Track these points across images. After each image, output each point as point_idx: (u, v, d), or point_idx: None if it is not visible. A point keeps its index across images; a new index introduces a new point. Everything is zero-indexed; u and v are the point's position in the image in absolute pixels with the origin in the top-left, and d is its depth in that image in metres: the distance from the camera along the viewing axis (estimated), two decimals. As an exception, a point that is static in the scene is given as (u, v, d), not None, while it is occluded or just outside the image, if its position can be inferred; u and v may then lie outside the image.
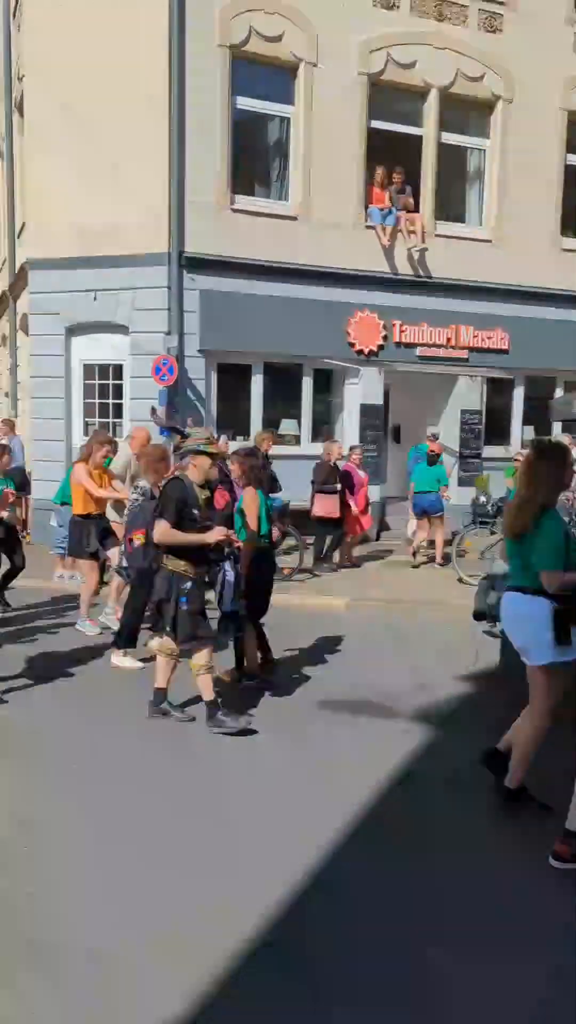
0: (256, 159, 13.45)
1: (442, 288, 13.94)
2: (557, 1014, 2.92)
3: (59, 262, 12.71)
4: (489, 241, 14.31)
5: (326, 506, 10.96)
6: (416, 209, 13.63)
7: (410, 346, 13.85)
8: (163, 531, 5.34)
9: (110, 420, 13.24)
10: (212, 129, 12.19)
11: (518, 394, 15.21)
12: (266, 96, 12.87)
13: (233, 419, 13.23)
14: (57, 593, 9.50)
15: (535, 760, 4.29)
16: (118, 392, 13.18)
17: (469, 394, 14.45)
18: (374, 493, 12.99)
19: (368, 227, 13.38)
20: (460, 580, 10.30)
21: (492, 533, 10.39)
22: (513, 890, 3.66)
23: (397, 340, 13.72)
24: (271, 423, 13.12)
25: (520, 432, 15.20)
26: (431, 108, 13.64)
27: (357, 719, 5.80)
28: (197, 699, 5.56)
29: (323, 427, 13.97)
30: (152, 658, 6.60)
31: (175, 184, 12.07)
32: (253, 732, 5.36)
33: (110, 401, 13.26)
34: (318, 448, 13.40)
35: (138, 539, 5.94)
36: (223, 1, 11.98)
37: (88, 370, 13.24)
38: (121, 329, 12.75)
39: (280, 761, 5.03)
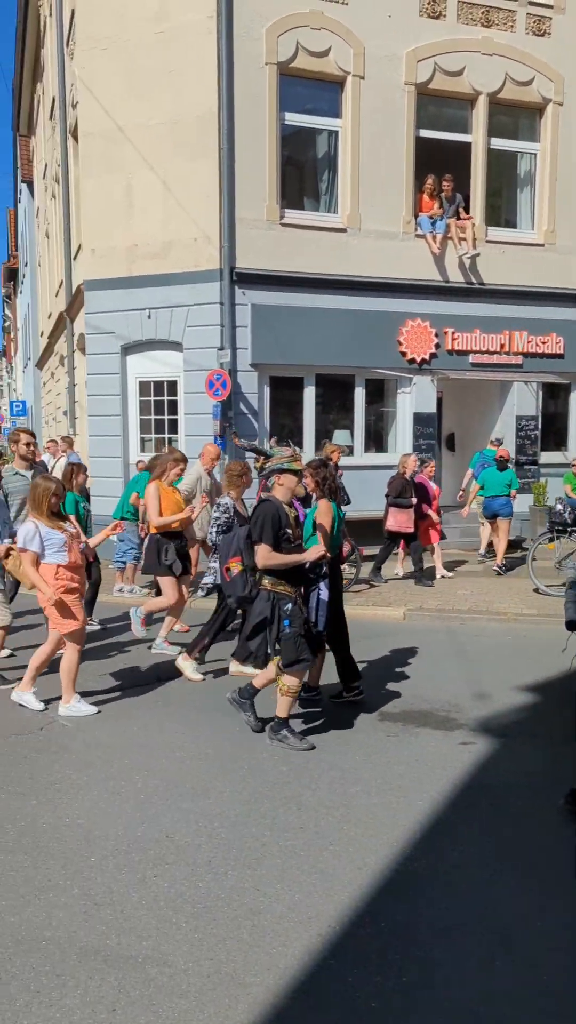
0: (304, 173, 13.57)
1: (494, 294, 13.84)
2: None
3: (113, 282, 13.00)
4: (541, 245, 14.16)
5: (400, 520, 10.89)
6: (467, 215, 13.57)
7: (463, 353, 13.77)
8: (266, 555, 5.29)
9: (165, 436, 13.44)
10: (261, 146, 12.34)
11: (575, 398, 14.99)
12: (313, 110, 12.99)
13: (285, 431, 13.31)
14: (125, 608, 9.61)
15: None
16: (173, 408, 13.38)
17: (524, 400, 14.28)
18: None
19: (418, 236, 13.37)
20: (536, 591, 10.14)
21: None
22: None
23: (449, 348, 13.65)
24: (323, 434, 13.16)
25: (578, 437, 14.97)
26: (480, 114, 13.59)
27: (419, 730, 5.76)
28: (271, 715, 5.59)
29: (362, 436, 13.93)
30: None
31: (225, 201, 12.23)
32: (313, 747, 5.39)
33: (165, 417, 13.46)
34: (372, 459, 13.43)
35: (235, 567, 5.74)
36: (270, 20, 12.14)
37: (143, 387, 13.47)
38: (175, 346, 12.95)
39: (344, 773, 5.02)
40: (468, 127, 13.74)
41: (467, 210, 13.64)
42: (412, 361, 13.46)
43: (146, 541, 8.01)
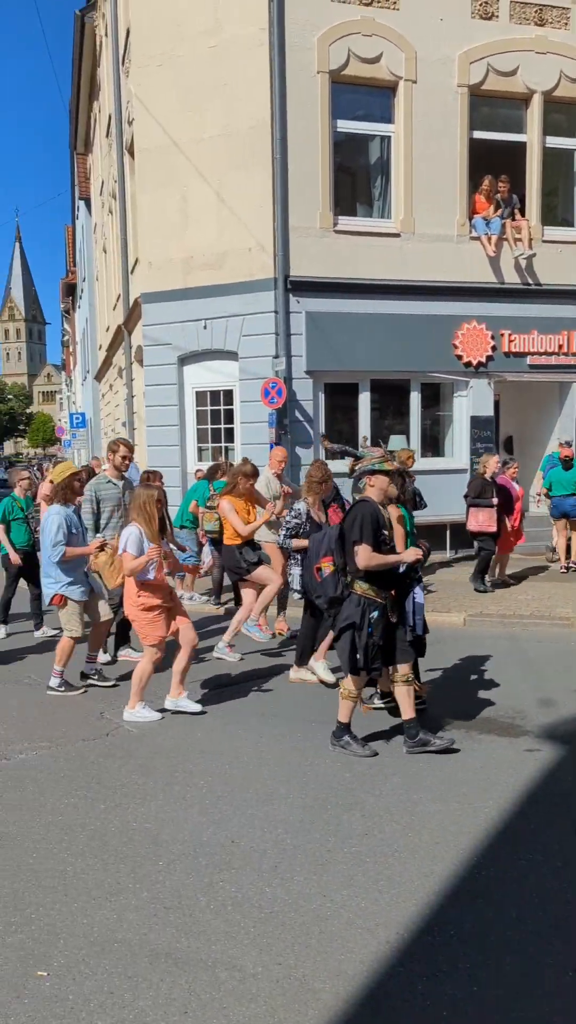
0: (357, 179, 13.60)
1: (552, 294, 13.64)
2: None
3: (170, 294, 13.19)
4: (600, 243, 13.91)
5: (481, 520, 10.73)
6: (522, 216, 13.42)
7: (520, 355, 13.59)
8: (367, 555, 5.20)
9: (222, 444, 13.57)
10: (314, 154, 12.40)
11: None
12: (366, 116, 13.01)
13: (341, 437, 13.31)
14: (195, 617, 9.70)
15: None
16: (229, 417, 13.50)
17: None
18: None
19: (473, 238, 13.26)
20: None
21: None
22: None
23: (506, 350, 13.50)
24: (379, 439, 13.12)
25: None
26: (534, 113, 13.43)
27: (482, 737, 5.69)
28: (394, 728, 5.57)
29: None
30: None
31: (279, 210, 12.32)
32: (375, 754, 5.38)
33: (221, 426, 13.59)
34: (429, 463, 13.33)
35: (327, 567, 5.68)
36: (321, 29, 12.21)
37: (200, 397, 13.62)
38: (230, 355, 13.07)
39: (408, 780, 4.99)
40: (523, 127, 13.60)
41: (523, 211, 13.48)
42: (468, 364, 13.34)
43: (224, 555, 8.06)
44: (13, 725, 6.08)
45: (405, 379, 13.43)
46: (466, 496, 10.98)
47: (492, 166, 13.35)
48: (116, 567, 6.45)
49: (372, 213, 13.45)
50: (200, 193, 12.77)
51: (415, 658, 5.59)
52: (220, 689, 6.96)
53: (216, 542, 9.79)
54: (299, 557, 6.88)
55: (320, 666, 6.97)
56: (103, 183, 21.38)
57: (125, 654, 7.79)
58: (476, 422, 13.66)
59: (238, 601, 8.30)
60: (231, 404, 13.42)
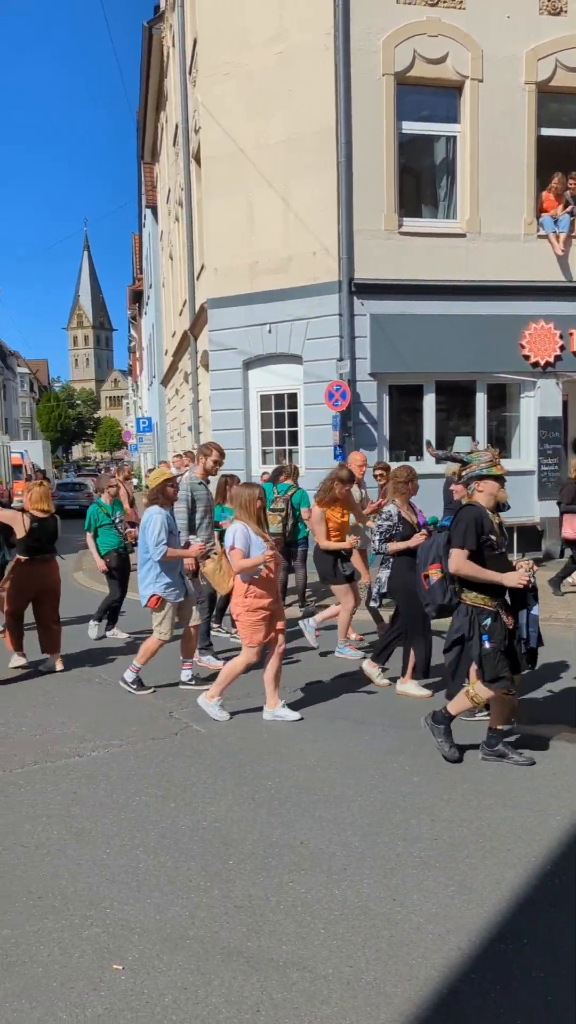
0: (422, 180, 13.52)
1: (623, 292, 13.33)
2: None
3: (235, 299, 13.32)
4: None
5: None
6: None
7: (590, 355, 13.31)
8: (459, 560, 5.05)
9: (286, 447, 13.63)
10: (378, 157, 12.38)
11: None
12: (431, 117, 12.94)
13: (406, 439, 13.26)
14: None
15: None
16: (293, 420, 13.56)
17: None
18: (554, 509, 12.51)
19: (540, 236, 13.06)
20: None
21: None
22: None
23: (575, 350, 13.23)
24: (443, 442, 13.01)
25: None
26: (604, 108, 13.15)
27: (553, 743, 5.59)
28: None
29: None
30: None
31: (343, 214, 12.34)
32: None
33: (286, 429, 13.66)
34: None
35: (435, 574, 5.57)
36: (386, 31, 12.19)
37: (264, 400, 13.72)
38: (294, 359, 13.13)
39: (477, 786, 4.94)
40: (593, 122, 13.33)
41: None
42: (536, 364, 13.13)
43: (317, 560, 8.07)
44: (85, 723, 6.22)
45: (471, 380, 13.28)
46: (559, 503, 10.76)
47: (560, 163, 13.13)
48: (225, 572, 6.41)
49: (437, 214, 13.35)
50: (265, 199, 12.88)
51: (520, 670, 5.39)
52: (288, 692, 6.98)
53: (288, 544, 9.86)
54: (391, 560, 6.77)
55: (410, 685, 6.86)
56: (169, 191, 21.73)
57: (205, 662, 7.82)
58: (544, 423, 13.44)
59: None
60: (295, 407, 13.49)
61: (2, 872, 4.01)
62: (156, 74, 22.13)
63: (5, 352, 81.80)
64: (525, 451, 13.54)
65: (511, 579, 5.06)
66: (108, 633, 9.29)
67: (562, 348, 13.16)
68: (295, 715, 6.17)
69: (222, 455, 7.83)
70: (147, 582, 6.83)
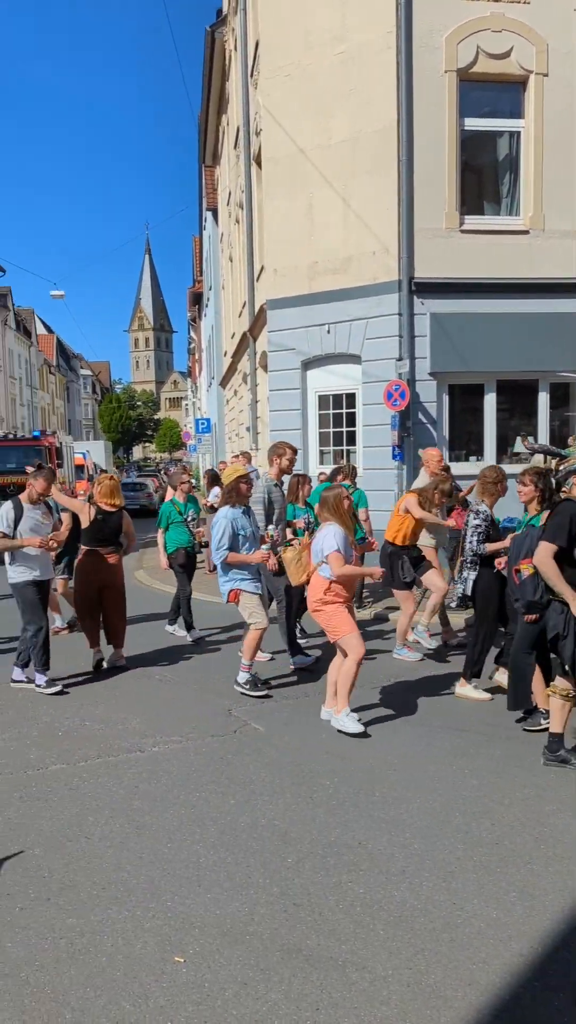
0: (484, 177, 13.35)
1: None
2: None
3: (294, 300, 13.36)
4: None
5: None
6: None
7: None
8: (543, 555, 4.94)
9: (344, 448, 13.62)
10: (440, 154, 12.28)
11: None
12: (494, 113, 12.77)
13: (466, 439, 13.11)
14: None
15: None
16: (351, 420, 13.53)
17: None
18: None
19: (606, 232, 12.76)
20: None
21: None
22: None
23: None
24: (504, 441, 12.84)
25: None
26: None
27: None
28: None
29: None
30: (497, 690, 6.69)
31: (404, 212, 12.27)
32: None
33: (344, 429, 13.64)
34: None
35: (526, 569, 5.50)
36: (449, 28, 12.08)
37: (322, 400, 13.73)
38: (353, 359, 13.10)
39: (539, 791, 4.86)
40: None
41: None
42: (601, 363, 12.83)
43: (380, 554, 8.05)
44: (146, 719, 6.31)
45: (533, 379, 13.06)
46: None
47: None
48: (303, 564, 6.33)
49: (499, 211, 13.17)
50: (326, 199, 12.89)
51: None
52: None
53: None
54: (477, 562, 6.53)
55: (469, 688, 6.76)
56: (230, 193, 21.90)
57: (296, 663, 7.74)
58: (609, 423, 13.14)
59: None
60: (353, 407, 13.46)
61: (67, 862, 4.11)
62: (218, 78, 22.33)
63: (69, 354, 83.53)
64: (589, 452, 13.26)
65: (570, 596, 4.91)
66: (169, 629, 9.38)
67: (628, 346, 12.84)
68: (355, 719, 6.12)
69: (295, 453, 7.83)
70: (224, 578, 6.88)
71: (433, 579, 7.93)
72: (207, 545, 9.51)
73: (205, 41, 20.72)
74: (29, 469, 7.99)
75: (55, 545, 7.14)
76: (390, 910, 3.63)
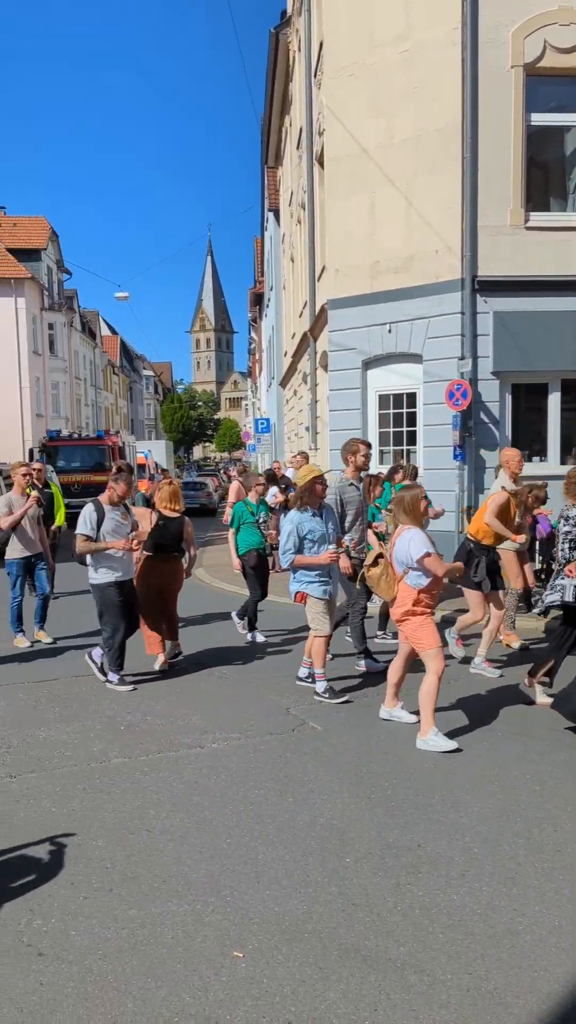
0: (550, 173, 13.10)
1: None
2: None
3: (356, 299, 13.32)
4: None
5: None
6: None
7: None
8: None
9: (404, 448, 13.52)
10: (505, 151, 12.10)
11: None
12: (561, 108, 12.52)
13: (529, 440, 12.89)
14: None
15: None
16: (411, 420, 13.43)
17: None
18: None
19: None
20: None
21: None
22: None
23: None
24: (570, 442, 12.59)
25: None
26: None
27: None
28: None
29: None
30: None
31: (468, 210, 12.12)
32: None
33: (404, 429, 13.55)
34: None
35: None
36: (516, 23, 11.89)
37: (383, 400, 13.66)
38: (414, 358, 13.00)
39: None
40: None
41: None
42: None
43: (457, 547, 7.92)
44: (206, 716, 6.38)
45: (600, 379, 12.78)
46: None
47: None
48: (391, 578, 6.05)
49: (566, 207, 12.91)
50: (388, 198, 12.82)
51: None
52: (404, 694, 6.93)
53: None
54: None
55: (535, 691, 6.62)
56: (292, 194, 21.96)
57: (363, 665, 7.68)
58: None
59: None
60: (413, 407, 13.36)
61: (129, 854, 4.18)
62: (281, 79, 22.42)
63: (132, 355, 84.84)
64: None
65: None
66: (235, 618, 9.34)
67: None
68: (412, 718, 6.07)
69: (370, 448, 7.67)
70: (293, 580, 6.87)
71: (473, 600, 7.53)
72: (277, 548, 9.49)
73: (269, 43, 20.82)
74: (113, 469, 8.01)
75: (138, 545, 7.26)
76: (450, 914, 3.61)
